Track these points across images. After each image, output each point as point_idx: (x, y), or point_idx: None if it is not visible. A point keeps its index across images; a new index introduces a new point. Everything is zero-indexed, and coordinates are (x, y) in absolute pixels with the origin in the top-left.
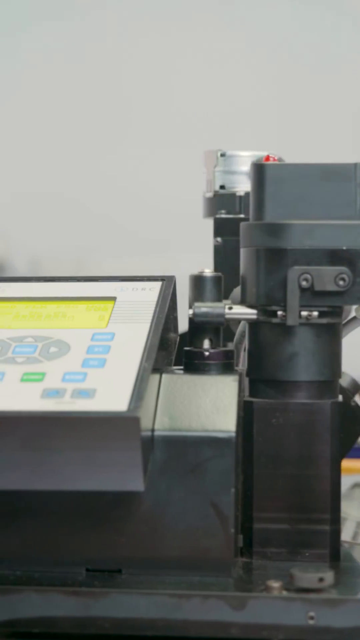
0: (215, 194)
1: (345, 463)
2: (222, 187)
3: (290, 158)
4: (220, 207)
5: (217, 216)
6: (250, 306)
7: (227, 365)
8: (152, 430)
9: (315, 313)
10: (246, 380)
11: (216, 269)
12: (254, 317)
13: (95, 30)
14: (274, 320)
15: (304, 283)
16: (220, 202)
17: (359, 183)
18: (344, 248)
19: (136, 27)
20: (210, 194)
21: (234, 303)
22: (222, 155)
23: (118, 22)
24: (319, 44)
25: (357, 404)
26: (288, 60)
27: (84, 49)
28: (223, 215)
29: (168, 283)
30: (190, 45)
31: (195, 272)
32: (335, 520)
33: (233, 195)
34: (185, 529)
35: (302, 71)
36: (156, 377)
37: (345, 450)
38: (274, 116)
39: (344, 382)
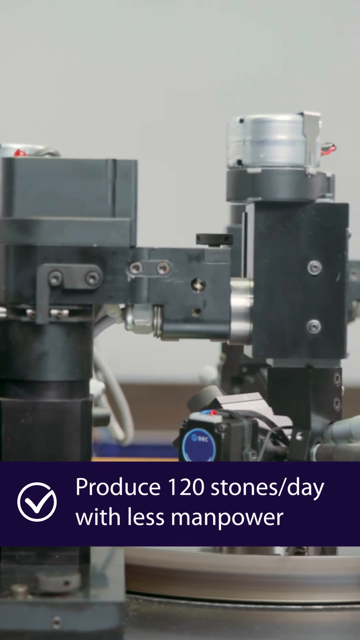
0: None
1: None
2: None
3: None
4: None
5: None
6: (0, 304)
7: None
8: None
9: (66, 311)
10: None
11: None
12: (3, 315)
13: None
14: (24, 318)
15: (53, 281)
16: None
17: (111, 179)
18: (95, 245)
19: None
20: None
21: None
22: None
23: None
24: (105, 36)
25: None
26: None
27: None
28: None
29: None
30: None
31: None
32: None
33: None
34: None
35: (85, 65)
36: None
37: None
38: (53, 111)
39: None
